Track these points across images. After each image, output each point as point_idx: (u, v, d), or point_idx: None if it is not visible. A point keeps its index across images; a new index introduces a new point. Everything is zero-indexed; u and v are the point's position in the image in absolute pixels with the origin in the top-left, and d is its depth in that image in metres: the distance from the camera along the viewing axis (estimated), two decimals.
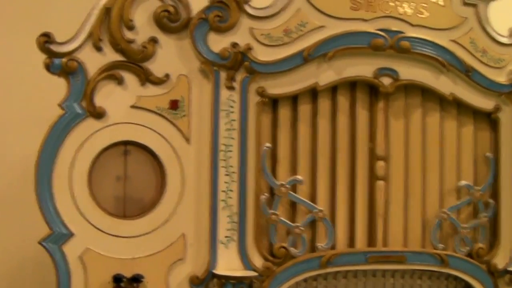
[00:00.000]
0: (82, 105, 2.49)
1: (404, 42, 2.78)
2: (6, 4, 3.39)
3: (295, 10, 2.69)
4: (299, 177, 2.73)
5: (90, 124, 2.50)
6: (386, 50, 2.78)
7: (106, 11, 2.51)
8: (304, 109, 2.76)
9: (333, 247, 2.77)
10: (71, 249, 2.47)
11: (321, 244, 2.75)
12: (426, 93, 2.91)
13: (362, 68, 2.78)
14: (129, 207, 2.57)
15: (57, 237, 2.46)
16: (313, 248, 2.76)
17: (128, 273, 2.51)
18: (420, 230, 2.90)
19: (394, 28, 2.79)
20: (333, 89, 2.79)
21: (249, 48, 2.63)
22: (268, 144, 2.69)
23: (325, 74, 2.74)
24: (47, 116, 2.49)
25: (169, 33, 2.58)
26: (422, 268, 2.88)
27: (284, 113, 2.74)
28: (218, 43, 2.61)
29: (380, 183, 2.83)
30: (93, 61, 2.50)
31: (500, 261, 2.99)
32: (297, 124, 2.76)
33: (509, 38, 3.02)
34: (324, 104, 2.78)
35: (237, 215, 2.63)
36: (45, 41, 2.45)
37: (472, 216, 2.98)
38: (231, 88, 2.63)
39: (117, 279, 2.50)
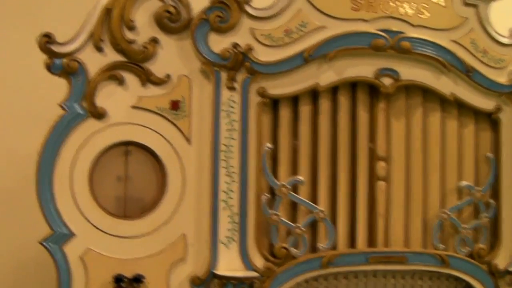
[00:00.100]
0: (83, 106, 2.49)
1: (404, 43, 2.78)
2: (7, 4, 3.40)
3: (295, 10, 2.69)
4: (299, 177, 2.73)
5: (91, 124, 2.50)
6: (386, 50, 2.77)
7: (107, 11, 2.51)
8: (305, 109, 2.76)
9: (334, 248, 2.77)
10: (72, 249, 2.47)
11: (322, 244, 2.75)
12: (427, 94, 2.91)
13: (363, 68, 2.78)
14: (130, 207, 2.57)
15: (58, 237, 2.46)
16: (314, 249, 2.76)
17: (129, 273, 2.51)
18: (421, 231, 2.90)
19: (394, 29, 2.79)
20: (334, 90, 2.79)
21: (249, 49, 2.63)
22: (268, 145, 2.69)
23: (325, 75, 2.74)
24: (48, 116, 2.49)
25: (170, 34, 2.58)
26: (423, 269, 2.87)
27: (284, 113, 2.74)
28: (218, 43, 2.61)
29: (381, 184, 2.83)
30: (94, 61, 2.50)
31: (501, 261, 2.99)
32: (298, 124, 2.76)
33: (510, 38, 3.02)
34: (324, 105, 2.78)
35: (238, 215, 2.63)
36: (46, 41, 2.45)
37: (473, 216, 2.98)
38: (231, 88, 2.63)
39: (118, 279, 2.50)
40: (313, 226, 2.76)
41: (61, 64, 2.47)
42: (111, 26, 2.51)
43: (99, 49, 2.51)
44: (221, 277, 2.57)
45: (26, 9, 3.39)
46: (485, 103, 2.98)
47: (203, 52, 2.60)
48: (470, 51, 2.93)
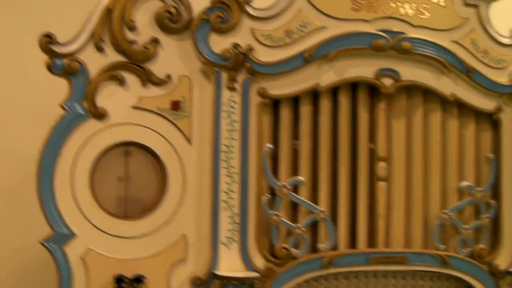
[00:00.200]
0: (84, 106, 2.50)
1: (405, 43, 2.78)
2: (8, 5, 3.40)
3: (296, 11, 2.69)
4: (300, 177, 2.73)
5: (91, 124, 2.51)
6: (387, 51, 2.77)
7: (108, 11, 2.51)
8: (305, 109, 2.76)
9: (334, 248, 2.77)
10: (73, 250, 2.48)
11: (322, 245, 2.75)
12: (427, 94, 2.91)
13: (363, 69, 2.78)
14: (131, 208, 2.57)
15: (58, 238, 2.46)
16: (314, 249, 2.76)
17: (129, 274, 2.52)
18: (421, 231, 2.90)
19: (395, 29, 2.79)
20: (334, 90, 2.79)
21: (250, 49, 2.63)
22: (269, 145, 2.69)
23: (326, 75, 2.74)
24: (49, 117, 2.49)
25: (170, 34, 2.58)
26: (424, 269, 2.87)
27: (285, 114, 2.74)
28: (219, 44, 2.61)
29: (382, 184, 2.83)
30: (95, 61, 2.50)
31: (501, 262, 2.98)
32: (298, 124, 2.76)
33: (511, 38, 3.01)
34: (325, 105, 2.78)
35: (238, 215, 2.64)
36: (47, 41, 2.46)
37: (473, 216, 2.98)
38: (232, 89, 2.63)
39: (119, 279, 2.50)
40: (313, 226, 2.76)
41: (62, 64, 2.47)
42: (112, 27, 2.51)
43: (99, 49, 2.52)
44: (221, 278, 2.57)
45: (27, 9, 3.39)
46: (485, 103, 2.98)
47: (204, 53, 2.60)
48: (470, 51, 2.93)
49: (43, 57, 2.47)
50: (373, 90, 2.84)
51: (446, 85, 2.89)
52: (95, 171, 2.53)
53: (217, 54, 2.61)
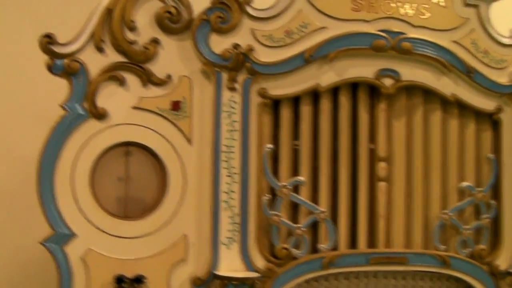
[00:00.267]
0: (84, 106, 2.50)
1: (405, 43, 2.78)
2: (8, 5, 3.40)
3: (296, 11, 2.69)
4: (300, 178, 2.73)
5: (92, 125, 2.51)
6: (387, 51, 2.77)
7: (108, 12, 2.51)
8: (306, 110, 2.76)
9: (335, 248, 2.77)
10: (73, 250, 2.48)
11: (322, 245, 2.75)
12: (428, 94, 2.91)
13: (364, 69, 2.78)
14: (131, 208, 2.57)
15: (59, 238, 2.46)
16: (314, 249, 2.76)
17: (130, 274, 2.52)
18: (421, 231, 2.90)
19: (395, 29, 2.79)
20: (335, 90, 2.79)
21: (250, 49, 2.63)
22: (269, 145, 2.69)
23: (326, 75, 2.74)
24: (49, 117, 2.49)
25: (170, 34, 2.58)
26: (424, 269, 2.87)
27: (285, 114, 2.74)
28: (219, 44, 2.61)
29: (382, 184, 2.83)
30: (95, 62, 2.50)
31: (502, 262, 2.98)
32: (299, 125, 2.76)
33: (511, 39, 3.01)
34: (325, 105, 2.78)
35: (239, 216, 2.64)
36: (47, 42, 2.46)
37: (474, 217, 2.97)
38: (232, 89, 2.63)
39: (119, 279, 2.50)
40: (314, 226, 2.76)
41: (62, 64, 2.47)
42: (112, 27, 2.51)
43: (100, 49, 2.52)
44: (222, 278, 2.57)
45: (27, 10, 3.39)
46: (486, 103, 2.98)
47: (204, 53, 2.60)
48: (471, 51, 2.93)
49: (44, 58, 2.46)
50: (374, 90, 2.84)
51: (447, 85, 2.89)
52: (95, 171, 2.53)
53: (218, 55, 2.61)
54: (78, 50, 2.49)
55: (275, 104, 2.74)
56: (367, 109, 2.84)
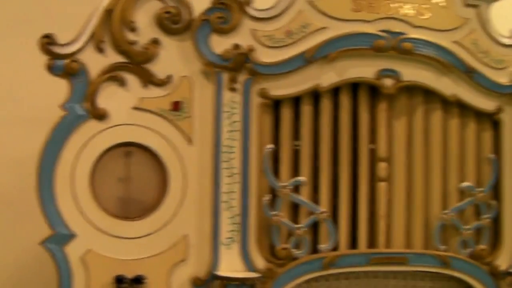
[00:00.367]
0: (84, 107, 2.49)
1: (406, 44, 2.78)
2: (8, 5, 3.40)
3: (297, 11, 2.69)
4: (301, 178, 2.73)
5: (92, 125, 2.50)
6: (388, 51, 2.77)
7: (108, 12, 2.51)
8: (306, 110, 2.76)
9: (335, 249, 2.77)
10: (73, 250, 2.47)
11: (323, 245, 2.75)
12: (428, 94, 2.91)
13: (364, 69, 2.78)
14: (131, 208, 2.57)
15: (58, 238, 2.46)
16: (315, 250, 2.76)
17: (130, 274, 2.51)
18: (422, 232, 2.90)
19: (396, 30, 2.79)
20: (335, 91, 2.79)
21: (251, 50, 2.63)
22: (270, 145, 2.69)
23: (327, 76, 2.73)
24: (49, 117, 2.49)
25: (171, 35, 2.58)
26: (424, 270, 2.87)
27: (286, 114, 2.74)
28: (220, 44, 2.61)
29: (382, 185, 2.83)
30: (95, 62, 2.50)
31: (502, 262, 2.98)
32: (299, 125, 2.76)
33: (511, 39, 3.01)
34: (326, 106, 2.78)
35: (239, 216, 2.63)
36: (47, 42, 2.45)
37: (474, 217, 2.97)
38: (233, 89, 2.63)
39: (119, 280, 2.50)
40: (314, 227, 2.76)
41: (62, 65, 2.46)
42: (112, 27, 2.51)
43: (100, 50, 2.51)
44: (222, 278, 2.57)
45: (27, 10, 3.39)
46: (486, 103, 2.97)
47: (204, 53, 2.60)
48: (471, 51, 2.92)
49: (43, 58, 2.46)
50: (374, 91, 2.84)
51: (447, 85, 2.89)
52: (95, 172, 2.52)
53: (218, 55, 2.61)
54: (78, 51, 2.48)
55: (275, 105, 2.73)
56: (368, 109, 2.84)
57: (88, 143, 2.50)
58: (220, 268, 2.60)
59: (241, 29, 2.64)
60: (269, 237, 2.71)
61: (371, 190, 2.84)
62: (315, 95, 2.77)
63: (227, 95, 2.62)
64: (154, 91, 2.57)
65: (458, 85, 2.91)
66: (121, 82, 2.53)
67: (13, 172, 3.32)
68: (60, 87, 2.50)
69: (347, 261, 2.76)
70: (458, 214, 2.93)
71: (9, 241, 3.32)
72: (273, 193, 2.71)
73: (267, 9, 2.68)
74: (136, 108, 2.55)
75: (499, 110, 2.99)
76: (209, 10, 2.61)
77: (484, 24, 2.95)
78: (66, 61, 2.47)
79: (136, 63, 2.54)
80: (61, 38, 2.47)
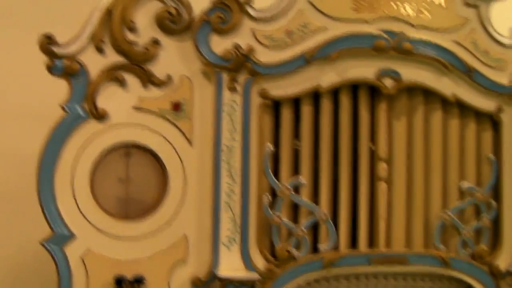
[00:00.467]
0: (84, 107, 2.49)
1: (406, 44, 2.78)
2: (8, 6, 3.39)
3: (297, 11, 2.69)
4: (301, 178, 2.73)
5: (92, 125, 2.51)
6: (388, 51, 2.77)
7: (108, 12, 2.51)
8: (306, 110, 2.76)
9: (335, 249, 2.76)
10: (73, 250, 2.48)
11: (323, 245, 2.75)
12: (428, 95, 2.91)
13: (364, 69, 2.78)
14: (131, 209, 2.57)
15: (58, 238, 2.46)
16: (315, 250, 2.75)
17: (129, 275, 2.52)
18: (422, 232, 2.89)
19: (396, 30, 2.78)
20: (335, 91, 2.79)
21: (251, 50, 2.63)
22: (270, 146, 2.69)
23: (327, 76, 2.73)
24: (49, 117, 2.49)
25: (171, 35, 2.58)
26: (424, 270, 2.87)
27: (286, 114, 2.74)
28: (220, 44, 2.61)
29: (382, 185, 2.83)
30: (95, 62, 2.50)
31: (502, 262, 2.98)
32: (299, 125, 2.76)
33: (511, 39, 3.01)
34: (326, 106, 2.78)
35: (239, 216, 2.63)
36: (47, 42, 2.45)
37: (474, 217, 2.97)
38: (233, 89, 2.63)
39: (119, 280, 2.50)
40: (314, 227, 2.76)
41: (62, 65, 2.47)
42: (112, 27, 2.51)
43: (100, 50, 2.51)
44: (222, 278, 2.57)
45: (27, 10, 3.39)
46: (486, 103, 2.97)
47: (204, 53, 2.60)
48: (471, 51, 2.92)
49: (43, 58, 2.46)
50: (374, 91, 2.84)
51: (447, 85, 2.89)
52: (95, 172, 2.53)
53: (218, 55, 2.61)
54: (78, 51, 2.49)
55: (275, 105, 2.73)
56: (368, 110, 2.83)
57: (88, 143, 2.51)
58: (220, 268, 2.60)
59: (241, 29, 2.64)
60: (269, 237, 2.70)
61: (371, 190, 2.84)
62: (315, 95, 2.77)
63: (227, 96, 2.62)
64: (154, 92, 2.57)
65: (458, 85, 2.91)
66: (121, 83, 2.53)
67: (13, 172, 3.32)
68: (61, 85, 2.50)
69: (347, 262, 2.76)
70: (458, 214, 2.93)
71: (9, 241, 3.32)
72: (273, 193, 2.70)
73: (267, 9, 2.68)
74: (136, 108, 2.55)
75: (499, 110, 2.99)
76: (209, 10, 2.61)
77: (484, 24, 2.95)
78: (66, 61, 2.47)
79: (136, 63, 2.55)
80: (61, 38, 2.47)
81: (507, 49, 3.00)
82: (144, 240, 2.56)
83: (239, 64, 2.61)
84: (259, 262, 2.66)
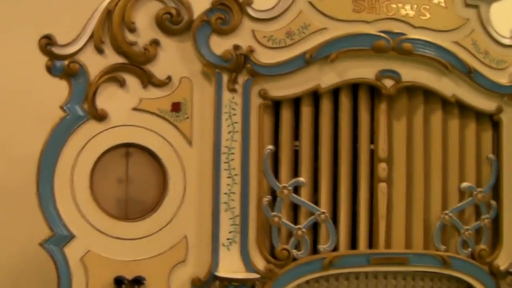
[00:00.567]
0: (84, 108, 2.49)
1: (406, 44, 2.78)
2: (8, 6, 3.39)
3: (297, 12, 2.69)
4: (301, 179, 2.72)
5: (92, 126, 2.50)
6: (388, 52, 2.77)
7: (108, 13, 2.51)
8: (306, 111, 2.76)
9: (335, 249, 2.76)
10: (73, 251, 2.47)
11: (323, 246, 2.75)
12: (428, 95, 2.91)
13: (364, 70, 2.78)
14: (131, 209, 2.57)
15: (58, 239, 2.46)
16: (315, 250, 2.75)
17: (129, 275, 2.51)
18: (422, 232, 2.90)
19: (396, 30, 2.79)
20: (335, 91, 2.79)
21: (251, 50, 2.63)
22: (270, 146, 2.69)
23: (327, 76, 2.73)
24: (49, 118, 2.48)
25: (171, 36, 2.58)
26: (424, 270, 2.87)
27: (286, 115, 2.74)
28: (220, 45, 2.60)
29: (382, 185, 2.83)
30: (95, 63, 2.50)
31: (502, 262, 2.99)
32: (299, 126, 2.76)
33: (511, 39, 3.01)
34: (326, 106, 2.78)
35: (239, 217, 2.63)
36: (47, 43, 2.45)
37: (474, 217, 2.97)
38: (233, 90, 2.62)
39: (119, 281, 2.50)
40: (314, 227, 2.76)
41: (62, 66, 2.46)
42: (112, 28, 2.51)
43: (100, 51, 2.51)
44: (222, 279, 2.57)
45: (27, 11, 3.38)
46: (486, 104, 2.98)
47: (205, 54, 2.59)
48: (471, 52, 2.93)
49: (43, 58, 2.46)
50: (374, 91, 2.84)
51: (447, 86, 2.89)
52: (95, 173, 2.52)
53: (218, 56, 2.60)
54: (78, 52, 2.49)
55: (275, 105, 2.73)
56: (368, 110, 2.84)
57: (87, 144, 2.50)
58: (220, 269, 2.60)
59: (241, 30, 2.64)
60: (269, 238, 2.70)
61: (371, 191, 2.84)
62: (315, 95, 2.77)
63: (227, 96, 2.62)
64: (154, 92, 2.57)
65: (458, 85, 2.91)
66: (121, 83, 2.53)
67: (13, 172, 3.32)
68: (62, 86, 2.49)
69: (347, 262, 2.76)
70: (458, 214, 2.93)
71: (9, 241, 3.31)
72: (273, 194, 2.71)
73: (267, 10, 2.68)
74: (135, 109, 2.55)
75: (499, 111, 2.99)
76: (209, 11, 2.60)
77: (484, 25, 2.95)
78: (66, 62, 2.46)
79: (136, 64, 2.54)
80: (61, 39, 2.46)
81: (507, 50, 3.01)
82: (144, 241, 2.55)
83: (239, 64, 2.61)
84: (259, 262, 2.66)
